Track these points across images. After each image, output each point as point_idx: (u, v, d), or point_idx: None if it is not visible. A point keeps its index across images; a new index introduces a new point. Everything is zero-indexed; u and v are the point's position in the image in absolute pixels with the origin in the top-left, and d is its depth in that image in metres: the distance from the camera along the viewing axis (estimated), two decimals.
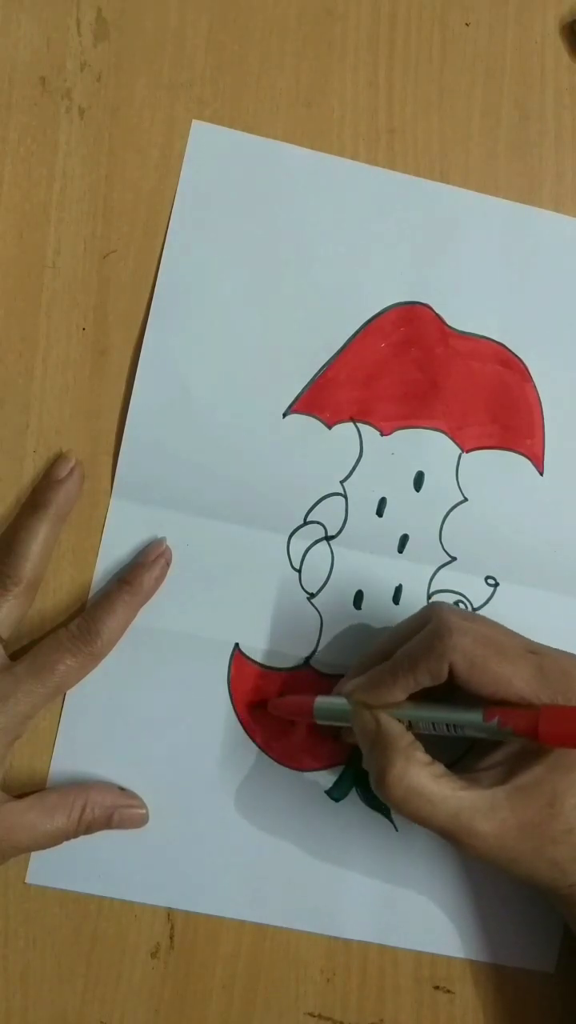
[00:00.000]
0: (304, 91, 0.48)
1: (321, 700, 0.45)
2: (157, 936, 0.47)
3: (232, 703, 0.47)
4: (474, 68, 0.49)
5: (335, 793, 0.48)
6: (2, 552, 0.45)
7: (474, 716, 0.41)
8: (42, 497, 0.46)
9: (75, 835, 0.45)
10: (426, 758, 0.41)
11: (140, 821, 0.46)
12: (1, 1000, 0.46)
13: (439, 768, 0.41)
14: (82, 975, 0.47)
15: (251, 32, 0.48)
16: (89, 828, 0.45)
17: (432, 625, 0.41)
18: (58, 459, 0.46)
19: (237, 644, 0.47)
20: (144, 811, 0.47)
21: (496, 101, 0.49)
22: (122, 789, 0.47)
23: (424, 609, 0.43)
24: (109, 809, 0.45)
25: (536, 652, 0.41)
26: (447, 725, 0.41)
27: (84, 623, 0.45)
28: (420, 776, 0.40)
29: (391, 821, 0.48)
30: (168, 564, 0.47)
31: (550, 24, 0.50)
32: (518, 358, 0.49)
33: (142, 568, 0.46)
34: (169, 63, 0.48)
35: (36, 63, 0.47)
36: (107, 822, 0.45)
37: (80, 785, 0.46)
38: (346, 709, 0.43)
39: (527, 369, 0.49)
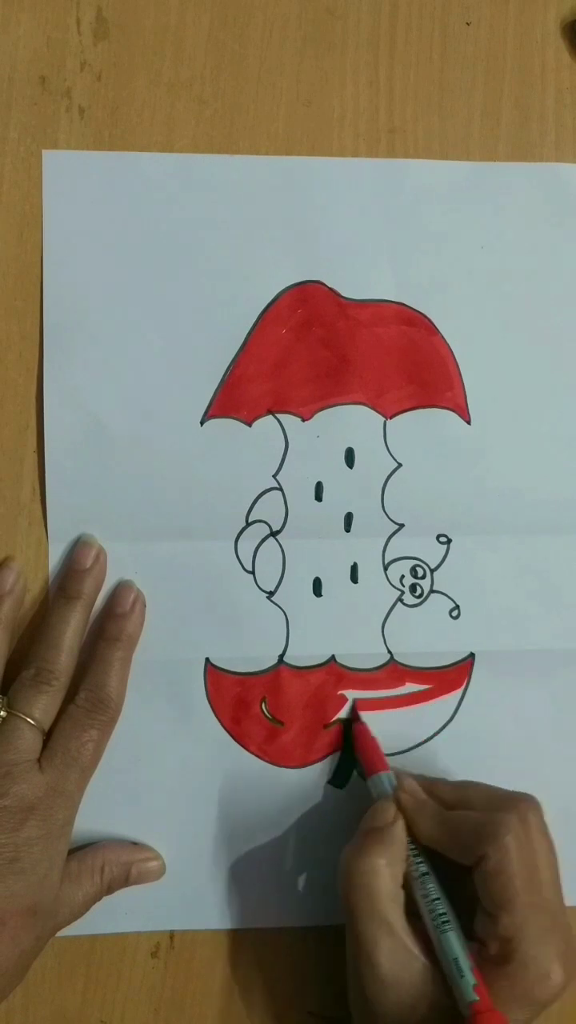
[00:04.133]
0: (304, 91, 0.48)
1: (384, 775, 0.46)
2: (157, 936, 0.48)
3: (216, 718, 0.47)
4: (475, 68, 0.49)
5: (337, 780, 0.48)
6: (40, 646, 0.45)
7: (455, 941, 0.41)
8: (72, 588, 0.46)
9: (100, 897, 0.45)
10: (398, 875, 0.43)
11: (157, 873, 0.47)
12: (2, 1001, 0.46)
13: (402, 895, 0.43)
14: (82, 975, 0.47)
15: (251, 32, 0.48)
16: (111, 888, 0.45)
17: (499, 837, 0.41)
18: (81, 547, 0.46)
19: (208, 659, 0.47)
20: (159, 862, 0.47)
21: (496, 101, 0.49)
22: (134, 843, 0.47)
23: (512, 799, 0.43)
24: (126, 866, 0.46)
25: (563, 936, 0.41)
26: (429, 907, 0.43)
27: (91, 694, 0.45)
28: (381, 871, 0.42)
29: None
30: (144, 604, 0.47)
31: (551, 24, 0.50)
32: (420, 313, 0.48)
33: (123, 619, 0.46)
34: (169, 63, 0.48)
35: (36, 62, 0.47)
36: (126, 880, 0.46)
37: (93, 847, 0.46)
38: (387, 784, 0.45)
39: (431, 323, 0.48)
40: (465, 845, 0.42)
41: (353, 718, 0.48)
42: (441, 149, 0.49)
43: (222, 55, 0.48)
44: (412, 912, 0.43)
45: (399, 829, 0.44)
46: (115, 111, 0.47)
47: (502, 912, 0.41)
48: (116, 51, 0.47)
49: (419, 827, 0.44)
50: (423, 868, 0.43)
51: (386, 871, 0.42)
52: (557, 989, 0.40)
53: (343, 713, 0.48)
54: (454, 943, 0.41)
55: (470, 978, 0.40)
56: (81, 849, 0.46)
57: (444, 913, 0.42)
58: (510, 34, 0.50)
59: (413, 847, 0.43)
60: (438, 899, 0.42)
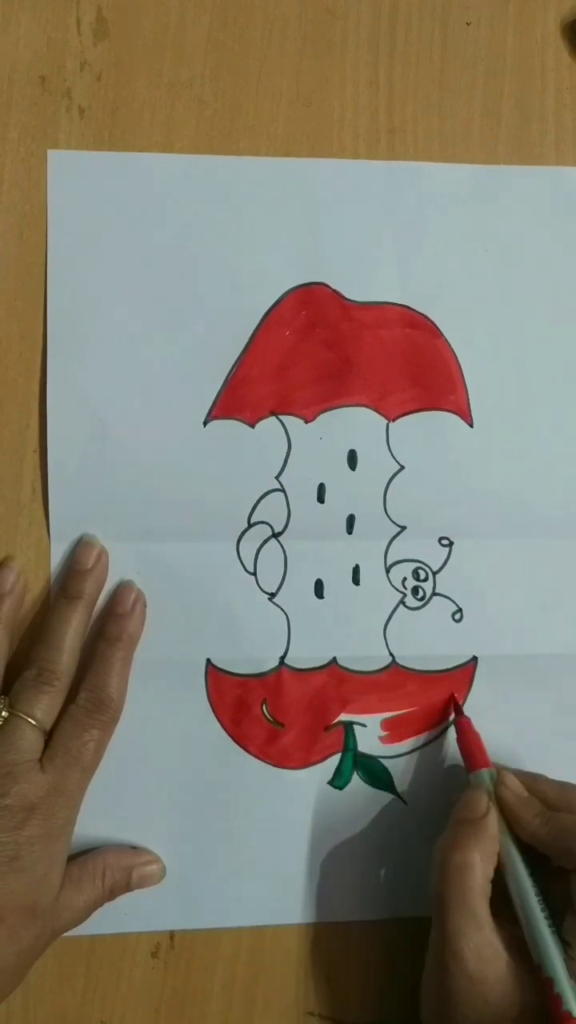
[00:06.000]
0: (304, 91, 0.48)
1: (486, 772, 0.46)
2: (157, 936, 0.48)
3: (217, 719, 0.47)
4: (475, 68, 0.49)
5: (337, 782, 0.48)
6: (41, 646, 0.45)
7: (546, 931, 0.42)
8: (74, 588, 0.46)
9: (103, 902, 0.45)
10: (490, 870, 0.43)
11: (158, 877, 0.47)
12: (2, 1001, 0.46)
13: (490, 890, 0.43)
14: (82, 975, 0.47)
15: (251, 32, 0.48)
16: (112, 892, 0.46)
17: None
18: (83, 547, 0.46)
19: (209, 660, 0.47)
20: (160, 866, 0.47)
21: (497, 101, 0.49)
22: (134, 847, 0.47)
23: None
24: (127, 870, 0.46)
25: None
26: (529, 907, 0.43)
27: (92, 694, 0.45)
28: (475, 865, 0.42)
29: (399, 797, 0.48)
30: (145, 604, 0.47)
31: (551, 24, 0.50)
32: (424, 316, 0.48)
33: (124, 619, 0.46)
34: (169, 63, 0.48)
35: (36, 62, 0.47)
36: (127, 884, 0.46)
37: (94, 852, 0.46)
38: (488, 781, 0.45)
39: (435, 325, 0.48)
40: (569, 849, 0.42)
41: (456, 711, 0.48)
42: (441, 149, 0.49)
43: (222, 55, 0.48)
44: (495, 908, 0.43)
45: (492, 823, 0.44)
46: (115, 111, 0.47)
47: None
48: (116, 51, 0.47)
49: (522, 824, 0.44)
50: (524, 867, 0.43)
51: (479, 866, 0.42)
52: None
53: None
54: (552, 948, 0.41)
55: (568, 988, 0.40)
56: (82, 854, 0.46)
57: (546, 916, 0.42)
58: (510, 34, 0.50)
59: (515, 844, 0.44)
60: (539, 900, 0.43)
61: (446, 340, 0.48)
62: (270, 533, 0.48)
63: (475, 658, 0.48)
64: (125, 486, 0.47)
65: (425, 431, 0.48)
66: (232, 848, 0.48)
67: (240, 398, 0.47)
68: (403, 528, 0.48)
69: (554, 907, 0.43)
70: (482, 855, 0.43)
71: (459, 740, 0.47)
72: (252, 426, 0.47)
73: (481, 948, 0.41)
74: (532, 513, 0.49)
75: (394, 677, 0.48)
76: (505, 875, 0.43)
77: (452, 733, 0.48)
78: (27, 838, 0.42)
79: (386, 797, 0.48)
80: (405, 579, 0.48)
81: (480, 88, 0.49)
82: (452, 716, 0.48)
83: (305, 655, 0.48)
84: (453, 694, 0.48)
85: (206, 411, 0.47)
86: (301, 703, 0.48)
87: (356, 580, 0.48)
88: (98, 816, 0.46)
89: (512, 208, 0.49)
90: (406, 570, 0.48)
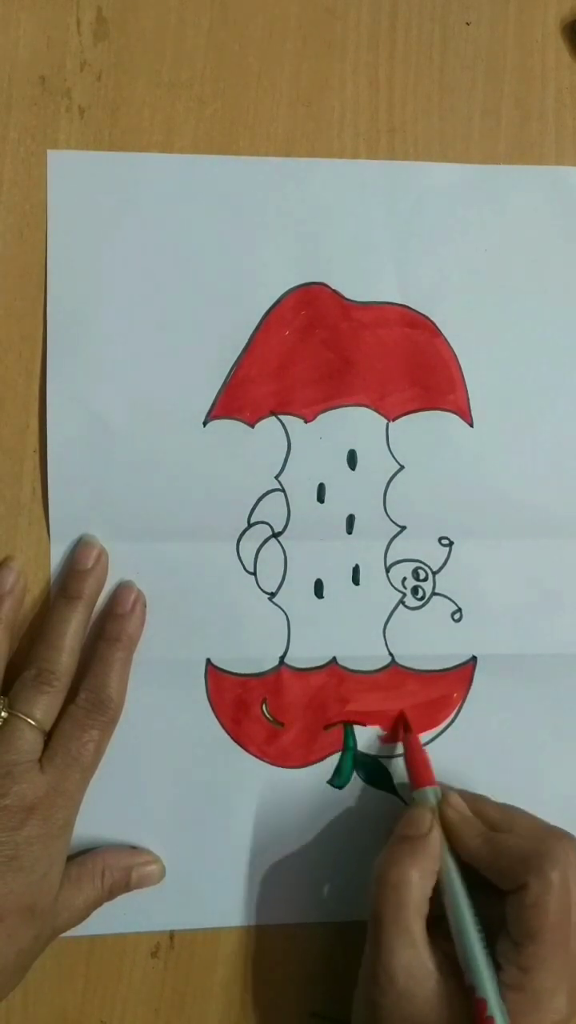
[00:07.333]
0: (304, 91, 0.48)
1: (430, 789, 0.46)
2: (157, 936, 0.48)
3: (217, 718, 0.47)
4: (475, 68, 0.49)
5: (337, 781, 0.48)
6: (41, 646, 0.45)
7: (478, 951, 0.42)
8: (73, 588, 0.46)
9: (102, 902, 0.45)
10: (428, 888, 0.43)
11: (158, 877, 0.47)
12: (1, 1000, 0.46)
13: (426, 908, 0.43)
14: (82, 975, 0.47)
15: (251, 32, 0.48)
16: (112, 892, 0.46)
17: (544, 870, 0.41)
18: (83, 547, 0.46)
19: (209, 659, 0.47)
20: (159, 866, 0.47)
21: (497, 101, 0.49)
22: (133, 847, 0.47)
23: (560, 835, 0.43)
24: (126, 870, 0.46)
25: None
26: (463, 927, 0.43)
27: (91, 694, 0.45)
28: (412, 883, 0.42)
29: (399, 796, 0.48)
30: (145, 604, 0.47)
31: (551, 24, 0.50)
32: (423, 316, 0.48)
33: (124, 619, 0.46)
34: (169, 63, 0.48)
35: (36, 62, 0.47)
36: (126, 885, 0.46)
37: (93, 852, 0.46)
38: (432, 799, 0.45)
39: (434, 325, 0.48)
40: (508, 870, 0.42)
41: (405, 728, 0.48)
42: (441, 149, 0.49)
43: (222, 55, 0.48)
44: (430, 927, 0.43)
45: (434, 841, 0.44)
46: (115, 111, 0.47)
47: (529, 942, 0.41)
48: (116, 51, 0.47)
49: (463, 844, 0.44)
50: (462, 887, 0.43)
51: (417, 883, 0.42)
52: (563, 1022, 0.41)
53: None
54: (485, 969, 0.41)
55: (499, 1010, 0.40)
56: (81, 854, 0.46)
57: (481, 936, 0.42)
58: (510, 34, 0.50)
59: (453, 863, 0.44)
60: (475, 921, 0.42)
61: (446, 340, 0.48)
62: (270, 533, 0.48)
63: (475, 658, 0.48)
64: (125, 486, 0.47)
65: (425, 431, 0.48)
66: (232, 848, 0.48)
67: (240, 398, 0.47)
68: (403, 528, 0.48)
69: (489, 928, 0.43)
70: (421, 873, 0.43)
71: (406, 757, 0.47)
72: (252, 426, 0.47)
73: (412, 966, 0.41)
74: (532, 513, 0.49)
75: (394, 677, 0.48)
76: (442, 894, 0.43)
77: (452, 733, 0.48)
78: (26, 838, 0.42)
79: (386, 797, 0.48)
80: (405, 579, 0.48)
81: (480, 88, 0.49)
82: (401, 733, 0.48)
83: (305, 655, 0.48)
84: (403, 711, 0.48)
85: (206, 411, 0.47)
86: (301, 703, 0.48)
87: (356, 580, 0.48)
88: (98, 816, 0.46)
89: (512, 208, 0.48)
90: (406, 570, 0.48)
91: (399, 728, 0.48)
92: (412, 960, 0.41)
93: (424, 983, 0.41)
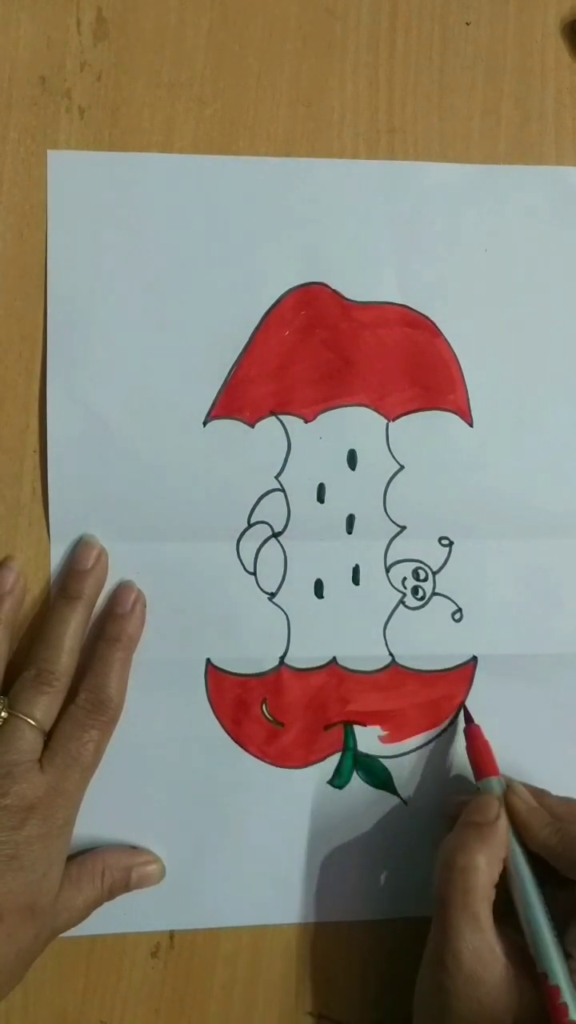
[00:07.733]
0: (304, 91, 0.48)
1: (495, 780, 0.46)
2: (157, 936, 0.48)
3: (217, 719, 0.47)
4: (475, 68, 0.49)
5: (337, 781, 0.48)
6: (40, 646, 0.45)
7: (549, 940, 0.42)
8: (73, 589, 0.46)
9: (102, 902, 0.45)
10: (495, 875, 0.43)
11: (158, 877, 0.47)
12: (1, 1000, 0.46)
13: (493, 895, 0.43)
14: (82, 975, 0.47)
15: (251, 32, 0.48)
16: (112, 892, 0.46)
17: None
18: (83, 547, 0.46)
19: (209, 659, 0.47)
20: (159, 865, 0.47)
21: (496, 101, 0.49)
22: (133, 847, 0.47)
23: None
24: (126, 870, 0.46)
25: None
26: (533, 915, 0.43)
27: (92, 694, 0.45)
28: (480, 869, 0.42)
29: (399, 796, 0.48)
30: (144, 604, 0.47)
31: (551, 24, 0.50)
32: (423, 316, 0.48)
33: (124, 619, 0.46)
34: (169, 63, 0.48)
35: (36, 63, 0.47)
36: (126, 885, 0.46)
37: (93, 851, 0.46)
38: (497, 789, 0.45)
39: (434, 325, 0.48)
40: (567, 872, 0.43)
41: (467, 719, 0.48)
42: (441, 149, 0.49)
43: (222, 55, 0.48)
44: (495, 915, 0.43)
45: (502, 829, 0.44)
46: (115, 111, 0.47)
47: None
48: (116, 51, 0.47)
49: (531, 833, 0.44)
50: (531, 875, 0.43)
51: (484, 869, 0.42)
52: None
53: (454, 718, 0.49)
54: (558, 957, 0.41)
55: (573, 998, 0.40)
56: (81, 854, 0.46)
57: (551, 926, 0.42)
58: (510, 34, 0.50)
59: (521, 851, 0.44)
60: (544, 910, 0.43)
61: (445, 340, 0.48)
62: (270, 533, 0.48)
63: (475, 658, 0.48)
64: (125, 486, 0.47)
65: (425, 431, 0.48)
66: (232, 848, 0.48)
67: (240, 398, 0.47)
68: (403, 528, 0.48)
69: (558, 918, 0.43)
70: (488, 859, 0.43)
71: (469, 748, 0.47)
72: (252, 426, 0.47)
73: (480, 950, 0.41)
74: (532, 513, 0.49)
75: (394, 677, 0.48)
76: (510, 882, 0.43)
77: (452, 733, 0.48)
78: (26, 838, 0.42)
79: (386, 797, 0.48)
80: (405, 579, 0.48)
81: (480, 88, 0.49)
82: (463, 724, 0.48)
83: (305, 655, 0.48)
84: (464, 703, 0.48)
85: (206, 411, 0.47)
86: (301, 703, 0.48)
87: (356, 580, 0.48)
88: (98, 816, 0.46)
89: (512, 208, 0.49)
90: (406, 570, 0.48)
91: (459, 719, 0.48)
92: (480, 944, 0.41)
93: (491, 967, 0.41)
